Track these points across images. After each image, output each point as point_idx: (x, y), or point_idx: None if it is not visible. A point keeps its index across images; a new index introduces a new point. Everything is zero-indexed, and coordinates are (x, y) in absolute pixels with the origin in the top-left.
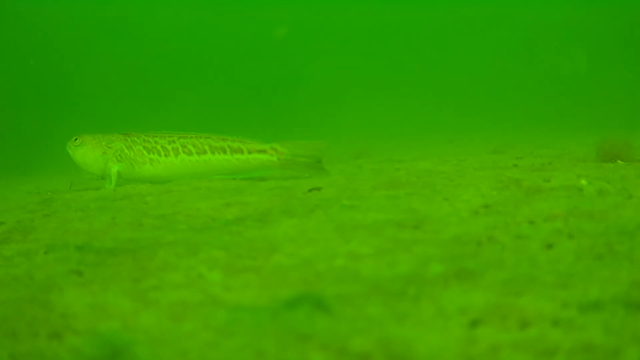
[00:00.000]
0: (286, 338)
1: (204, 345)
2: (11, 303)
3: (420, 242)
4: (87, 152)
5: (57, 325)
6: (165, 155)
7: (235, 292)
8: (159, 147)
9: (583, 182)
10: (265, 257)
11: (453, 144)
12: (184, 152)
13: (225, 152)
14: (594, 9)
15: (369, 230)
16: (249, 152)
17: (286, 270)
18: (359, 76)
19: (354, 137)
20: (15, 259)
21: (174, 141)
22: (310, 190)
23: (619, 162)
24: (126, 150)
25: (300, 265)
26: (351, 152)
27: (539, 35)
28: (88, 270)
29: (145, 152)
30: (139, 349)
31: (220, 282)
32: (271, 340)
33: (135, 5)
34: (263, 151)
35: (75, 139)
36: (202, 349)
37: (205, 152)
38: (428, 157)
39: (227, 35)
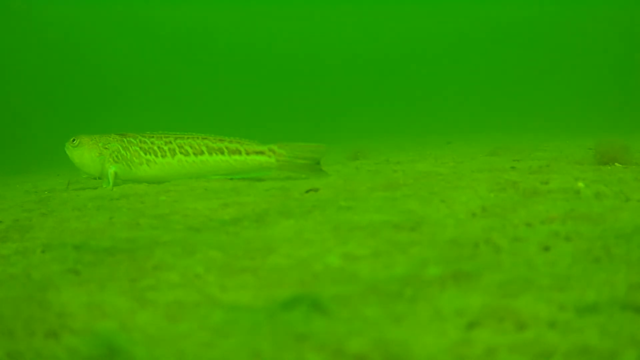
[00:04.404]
0: (282, 339)
1: (201, 345)
2: (8, 302)
3: (417, 244)
4: (84, 153)
5: (54, 325)
6: (162, 156)
7: (231, 292)
8: (155, 148)
9: (580, 184)
10: (262, 258)
11: (450, 146)
12: (180, 152)
13: (222, 153)
14: (593, 11)
15: (366, 231)
16: (247, 154)
17: (283, 271)
18: (357, 78)
19: (352, 139)
20: (12, 258)
21: (170, 142)
22: (307, 192)
23: (617, 164)
24: (123, 151)
25: (297, 266)
26: (348, 154)
27: (537, 36)
28: (85, 269)
29: (142, 152)
30: (136, 349)
31: (217, 282)
32: (267, 340)
33: (138, 4)
34: (261, 152)
35: (73, 140)
36: (198, 349)
37: (202, 152)
38: (425, 158)
39: (228, 36)
